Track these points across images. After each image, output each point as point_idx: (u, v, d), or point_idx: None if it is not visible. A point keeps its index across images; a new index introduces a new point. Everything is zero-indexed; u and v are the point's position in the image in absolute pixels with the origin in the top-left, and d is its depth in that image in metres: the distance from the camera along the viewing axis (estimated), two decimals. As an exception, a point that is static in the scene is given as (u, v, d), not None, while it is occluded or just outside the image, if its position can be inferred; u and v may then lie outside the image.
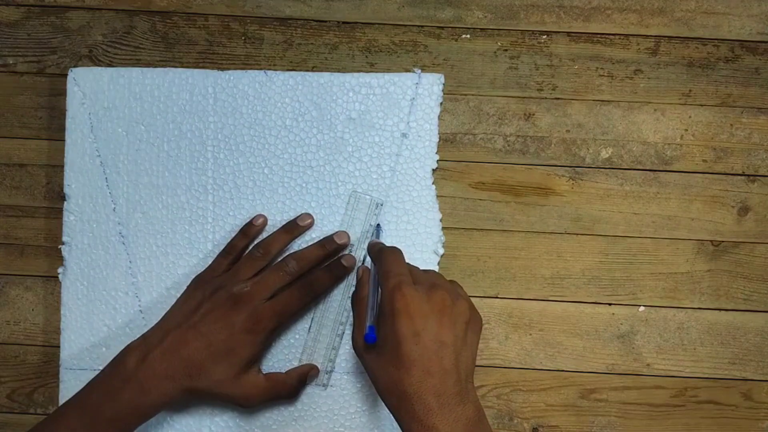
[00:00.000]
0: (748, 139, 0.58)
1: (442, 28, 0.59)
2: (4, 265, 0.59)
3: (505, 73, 0.58)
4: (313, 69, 0.59)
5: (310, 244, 0.56)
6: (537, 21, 0.58)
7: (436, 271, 0.55)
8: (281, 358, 0.57)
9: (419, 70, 0.58)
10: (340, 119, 0.57)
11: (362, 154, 0.57)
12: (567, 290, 0.58)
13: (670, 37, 0.58)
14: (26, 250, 0.59)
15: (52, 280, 0.58)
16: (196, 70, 0.58)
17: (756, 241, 0.58)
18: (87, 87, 0.57)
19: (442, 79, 0.58)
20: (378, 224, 0.56)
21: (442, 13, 0.59)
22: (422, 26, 0.59)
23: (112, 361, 0.51)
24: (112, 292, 0.57)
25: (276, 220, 0.57)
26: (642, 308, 0.58)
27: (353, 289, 0.56)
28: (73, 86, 0.57)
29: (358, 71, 0.58)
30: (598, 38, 0.59)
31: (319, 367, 0.56)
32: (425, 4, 0.59)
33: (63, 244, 0.57)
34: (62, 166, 0.58)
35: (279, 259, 0.55)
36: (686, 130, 0.58)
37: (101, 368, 0.52)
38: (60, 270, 0.57)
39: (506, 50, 0.58)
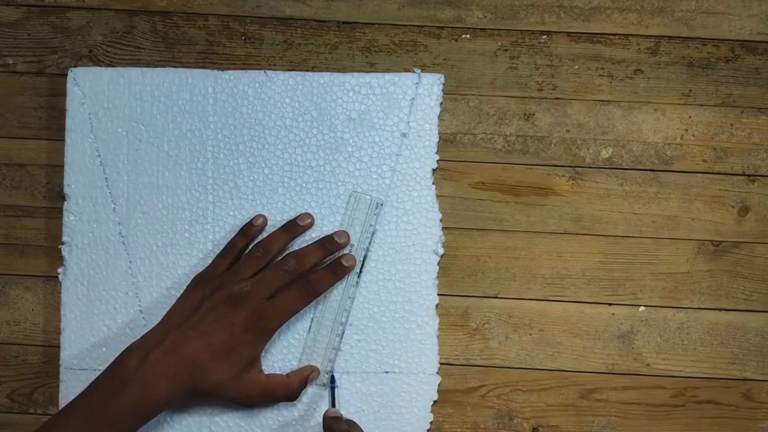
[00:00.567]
0: (748, 139, 0.58)
1: (442, 28, 0.59)
2: (4, 265, 0.59)
3: (505, 73, 0.58)
4: (313, 69, 0.59)
5: (309, 243, 0.56)
6: (537, 21, 0.58)
7: None
8: (281, 358, 0.57)
9: (419, 70, 0.58)
10: (340, 119, 0.57)
11: (362, 154, 0.57)
12: (567, 290, 0.58)
13: (670, 37, 0.58)
14: (26, 250, 0.59)
15: (52, 280, 0.58)
16: (196, 70, 0.58)
17: (756, 241, 0.58)
18: (87, 87, 0.57)
19: (442, 79, 0.58)
20: (333, 375, 0.56)
21: (442, 13, 0.59)
22: (422, 26, 0.59)
23: (113, 361, 0.51)
24: (112, 292, 0.57)
25: (276, 220, 0.57)
26: (642, 308, 0.58)
27: (353, 289, 0.56)
28: (73, 86, 0.57)
29: (358, 71, 0.58)
30: (598, 38, 0.59)
31: (319, 367, 0.56)
32: (425, 4, 0.59)
33: (63, 244, 0.57)
34: (62, 166, 0.58)
35: (279, 259, 0.55)
36: (686, 130, 0.58)
37: (101, 368, 0.52)
38: (60, 270, 0.57)
39: (506, 50, 0.58)
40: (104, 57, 0.59)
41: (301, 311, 0.55)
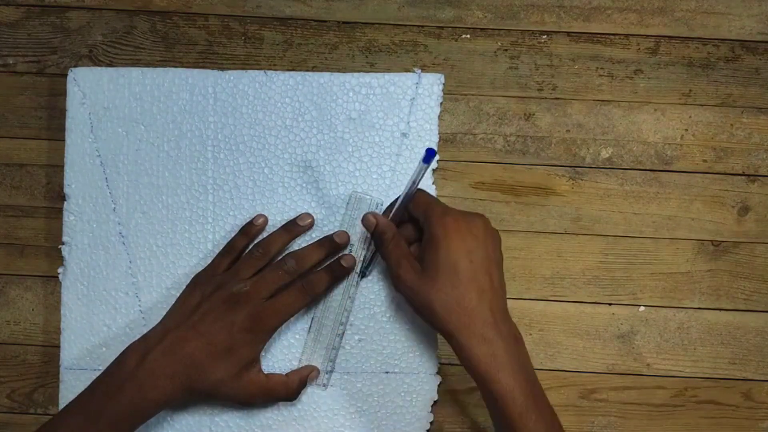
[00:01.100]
0: (748, 139, 0.58)
1: (442, 28, 0.59)
2: (4, 265, 0.59)
3: (505, 73, 0.58)
4: (313, 69, 0.59)
5: (309, 243, 0.56)
6: (537, 21, 0.58)
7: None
8: (281, 358, 0.57)
9: (419, 70, 0.58)
10: (340, 119, 0.57)
11: (362, 154, 0.57)
12: (567, 290, 0.58)
13: (670, 37, 0.58)
14: (26, 250, 0.59)
15: (52, 280, 0.58)
16: (196, 70, 0.58)
17: (756, 241, 0.58)
18: (87, 87, 0.57)
19: (442, 79, 0.58)
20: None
21: (442, 13, 0.59)
22: (422, 26, 0.59)
23: (113, 361, 0.52)
24: (112, 292, 0.57)
25: (276, 220, 0.57)
26: (642, 308, 0.58)
27: (353, 289, 0.56)
28: (73, 86, 0.57)
29: (358, 71, 0.58)
30: (598, 38, 0.59)
31: (319, 367, 0.56)
32: (425, 4, 0.59)
33: (63, 244, 0.57)
34: (62, 166, 0.58)
35: (278, 259, 0.55)
36: (686, 130, 0.58)
37: (101, 368, 0.52)
38: (60, 270, 0.57)
39: (506, 50, 0.59)
40: (104, 57, 0.59)
41: (301, 311, 0.55)
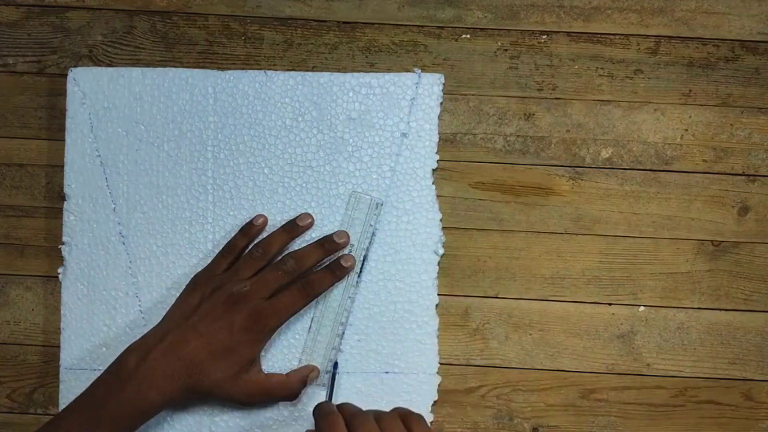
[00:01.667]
0: (748, 139, 0.58)
1: (442, 28, 0.59)
2: (4, 265, 0.59)
3: (505, 73, 0.58)
4: (313, 69, 0.59)
5: (309, 243, 0.56)
6: (537, 21, 0.58)
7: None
8: (281, 358, 0.57)
9: (419, 70, 0.58)
10: (340, 119, 0.57)
11: (362, 154, 0.57)
12: (567, 290, 0.58)
13: (670, 37, 0.58)
14: (26, 250, 0.59)
15: (52, 280, 0.58)
16: (196, 70, 0.58)
17: (756, 241, 0.58)
18: (87, 87, 0.57)
19: (442, 79, 0.58)
20: (336, 362, 0.56)
21: (442, 13, 0.59)
22: (422, 26, 0.59)
23: (114, 362, 0.52)
24: (112, 292, 0.57)
25: (276, 220, 0.57)
26: (642, 308, 0.58)
27: (353, 289, 0.56)
28: (73, 86, 0.57)
29: (358, 71, 0.58)
30: (598, 38, 0.59)
31: (319, 367, 0.56)
32: (425, 4, 0.59)
33: (63, 244, 0.57)
34: (62, 166, 0.58)
35: (278, 259, 0.55)
36: (686, 130, 0.58)
37: (101, 368, 0.52)
38: (60, 270, 0.57)
39: (506, 50, 0.58)
40: (104, 57, 0.59)
41: (301, 311, 0.55)
